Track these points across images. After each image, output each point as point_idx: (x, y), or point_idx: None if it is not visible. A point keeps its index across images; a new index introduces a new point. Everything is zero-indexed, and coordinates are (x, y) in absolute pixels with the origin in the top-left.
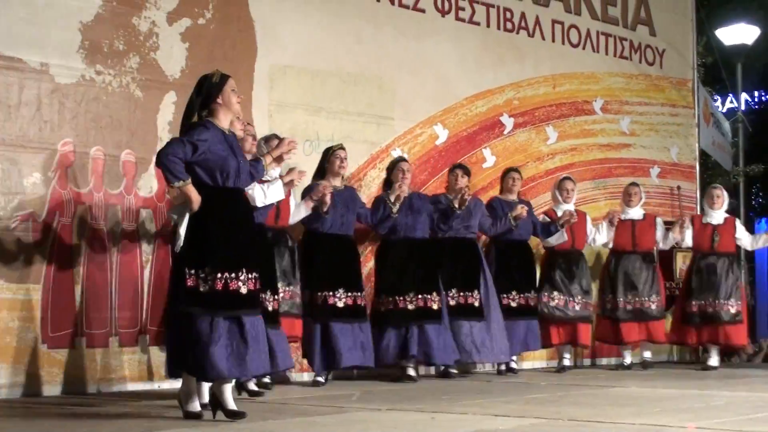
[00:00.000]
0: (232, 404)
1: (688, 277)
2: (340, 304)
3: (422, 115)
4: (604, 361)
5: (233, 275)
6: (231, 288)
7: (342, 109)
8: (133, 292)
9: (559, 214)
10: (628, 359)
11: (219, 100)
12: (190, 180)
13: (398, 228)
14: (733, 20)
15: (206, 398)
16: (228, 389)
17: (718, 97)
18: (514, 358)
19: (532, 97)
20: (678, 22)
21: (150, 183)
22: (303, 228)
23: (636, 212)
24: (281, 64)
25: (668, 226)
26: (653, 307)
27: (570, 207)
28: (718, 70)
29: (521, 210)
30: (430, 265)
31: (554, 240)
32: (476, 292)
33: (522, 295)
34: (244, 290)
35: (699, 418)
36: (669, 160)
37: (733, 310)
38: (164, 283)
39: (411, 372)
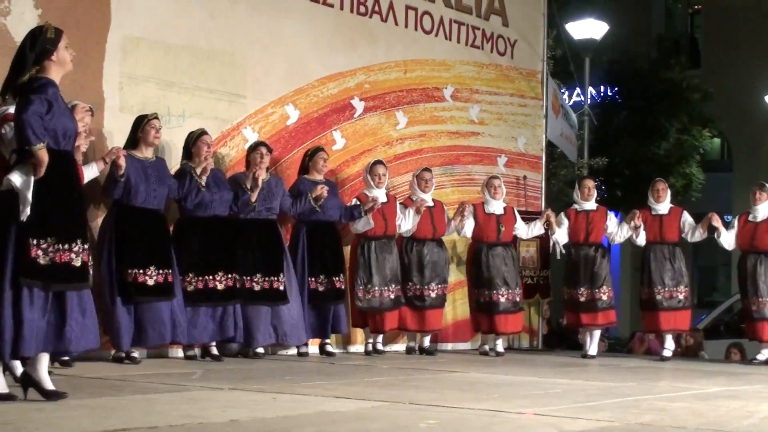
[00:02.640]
0: (48, 383)
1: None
2: (151, 282)
3: (274, 94)
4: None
5: (68, 246)
6: (66, 260)
7: (194, 84)
8: None
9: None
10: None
11: (53, 57)
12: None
13: (204, 205)
14: (583, 15)
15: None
16: (43, 367)
17: (566, 90)
18: (329, 340)
19: (384, 82)
20: (530, 14)
21: None
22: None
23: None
24: (134, 36)
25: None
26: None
27: (381, 191)
28: (566, 63)
29: (320, 190)
30: (231, 245)
31: (361, 226)
32: (281, 275)
33: (330, 279)
34: (78, 262)
35: (536, 405)
36: (516, 150)
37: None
38: None
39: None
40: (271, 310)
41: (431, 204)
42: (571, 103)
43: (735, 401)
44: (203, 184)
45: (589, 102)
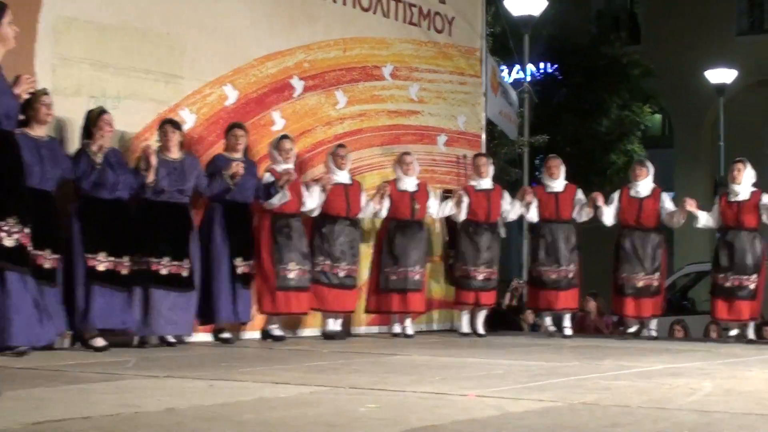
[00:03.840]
0: None
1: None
2: (47, 265)
3: (212, 74)
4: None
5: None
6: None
7: (129, 65)
8: None
9: (279, 170)
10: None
11: None
12: None
13: (106, 186)
14: None
15: None
16: None
17: (505, 67)
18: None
19: (323, 61)
20: None
21: None
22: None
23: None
24: (67, 16)
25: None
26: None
27: (289, 166)
28: (506, 39)
29: (236, 168)
30: (138, 228)
31: (277, 200)
32: (186, 261)
33: (246, 262)
34: (9, 242)
35: (479, 387)
36: (456, 129)
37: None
38: None
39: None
40: (172, 296)
41: (348, 182)
42: (511, 80)
43: (678, 378)
44: (98, 162)
45: (529, 79)
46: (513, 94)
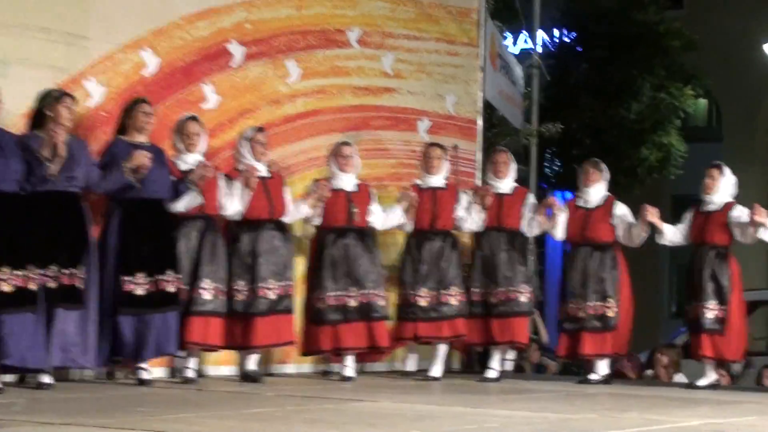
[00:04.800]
0: None
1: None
2: None
3: (126, 36)
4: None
5: None
6: None
7: (20, 22)
8: None
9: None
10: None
11: None
12: None
13: None
14: None
15: None
16: None
17: (509, 35)
18: (146, 366)
19: (270, 21)
20: None
21: None
22: None
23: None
24: None
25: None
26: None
27: (198, 157)
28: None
29: (140, 157)
30: (18, 228)
31: (184, 204)
32: (80, 268)
33: (153, 278)
34: None
35: None
36: (443, 112)
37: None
38: None
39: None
40: (55, 318)
41: (266, 174)
42: (516, 51)
43: None
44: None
45: (540, 50)
46: (518, 70)
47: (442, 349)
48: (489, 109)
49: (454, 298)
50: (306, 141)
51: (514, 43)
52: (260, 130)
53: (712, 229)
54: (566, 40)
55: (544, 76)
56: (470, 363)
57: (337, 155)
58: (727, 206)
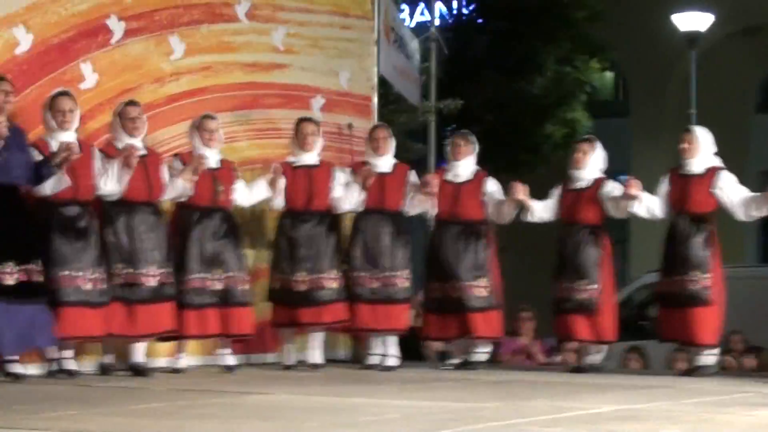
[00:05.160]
0: None
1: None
2: None
3: None
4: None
5: None
6: None
7: None
8: None
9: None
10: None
11: None
12: None
13: None
14: None
15: None
16: None
17: (406, 6)
18: (17, 357)
19: None
20: None
21: None
22: None
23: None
24: None
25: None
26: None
27: (69, 137)
28: None
29: None
30: None
31: (50, 187)
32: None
33: (23, 268)
34: None
35: None
36: (337, 89)
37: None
38: None
39: None
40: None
41: (143, 152)
42: (412, 24)
43: (635, 424)
44: None
45: (437, 23)
46: (414, 44)
47: (320, 334)
48: (385, 85)
49: (333, 281)
50: (192, 122)
51: (410, 16)
52: (132, 103)
53: (583, 207)
54: (465, 12)
55: (442, 50)
56: (359, 353)
57: (200, 129)
58: (597, 182)
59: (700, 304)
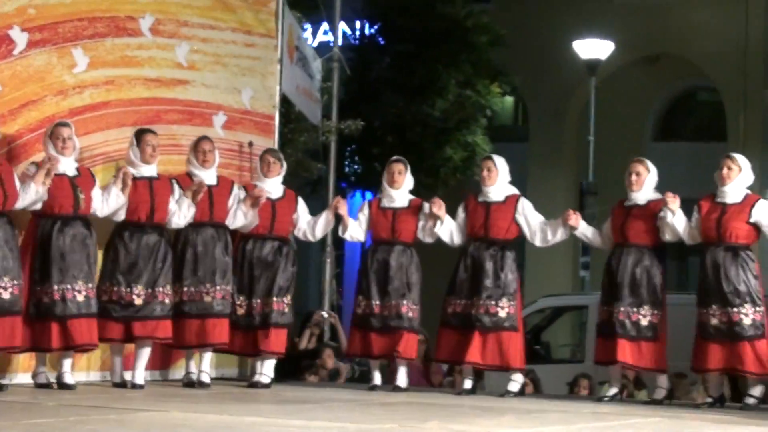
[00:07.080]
0: None
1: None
2: None
3: None
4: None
5: None
6: None
7: None
8: None
9: None
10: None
11: None
12: None
13: None
14: None
15: None
16: None
17: (309, 26)
18: None
19: (56, 7)
20: None
21: None
22: None
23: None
24: None
25: None
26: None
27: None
28: None
29: None
30: None
31: None
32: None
33: None
34: None
35: None
36: (239, 106)
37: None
38: None
39: None
40: None
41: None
42: (315, 43)
43: None
44: None
45: (340, 43)
46: (316, 64)
47: (147, 351)
48: (287, 104)
49: (168, 297)
50: (94, 135)
51: (314, 35)
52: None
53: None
54: (368, 32)
55: (344, 70)
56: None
57: (53, 137)
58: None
59: None
